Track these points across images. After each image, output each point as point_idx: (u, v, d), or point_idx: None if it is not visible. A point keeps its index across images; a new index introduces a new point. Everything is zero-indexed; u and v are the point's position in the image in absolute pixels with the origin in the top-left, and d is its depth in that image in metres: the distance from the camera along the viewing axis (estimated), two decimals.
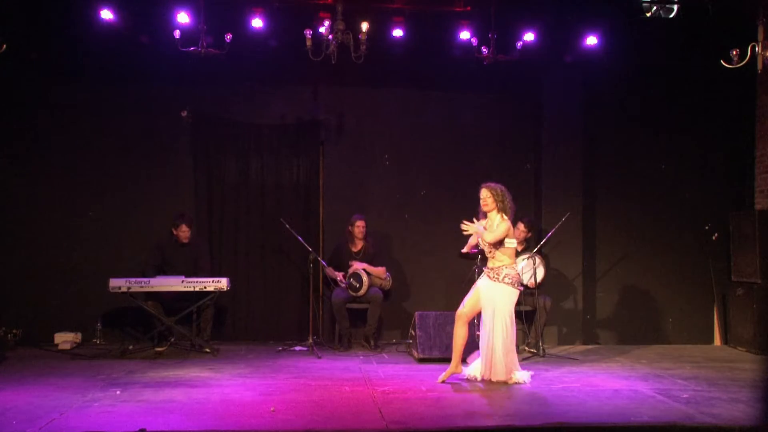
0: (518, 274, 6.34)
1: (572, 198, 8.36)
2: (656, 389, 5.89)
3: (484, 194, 6.34)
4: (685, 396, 5.66)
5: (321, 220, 8.43)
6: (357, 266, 7.78)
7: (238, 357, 7.28)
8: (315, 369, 6.72)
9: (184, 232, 7.68)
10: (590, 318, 8.52)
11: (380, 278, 7.88)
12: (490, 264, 6.32)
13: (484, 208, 6.35)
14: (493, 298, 6.20)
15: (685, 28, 8.27)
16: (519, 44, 7.58)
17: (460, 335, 6.32)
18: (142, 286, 7.20)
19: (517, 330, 7.68)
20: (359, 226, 7.91)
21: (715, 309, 8.63)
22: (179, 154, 8.28)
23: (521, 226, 7.89)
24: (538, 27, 7.78)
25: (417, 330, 7.10)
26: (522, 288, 6.40)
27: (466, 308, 6.34)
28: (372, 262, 7.92)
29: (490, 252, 6.27)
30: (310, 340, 7.56)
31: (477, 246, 6.44)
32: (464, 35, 7.68)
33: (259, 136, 8.38)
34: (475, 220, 6.28)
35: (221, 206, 8.37)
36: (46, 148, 8.08)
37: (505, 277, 6.20)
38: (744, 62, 6.42)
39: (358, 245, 7.98)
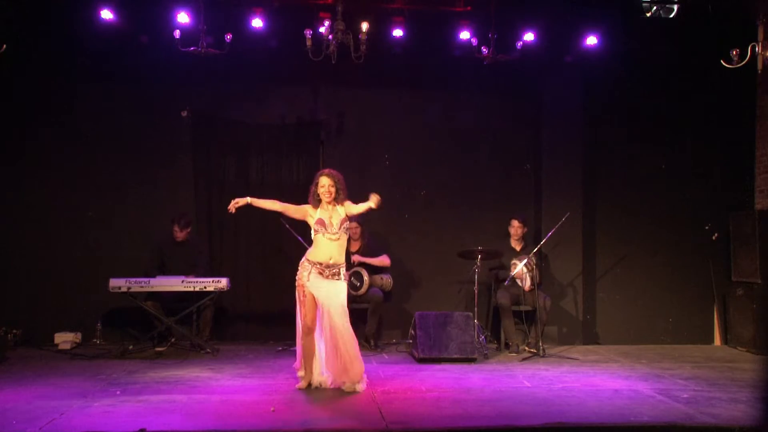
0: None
1: (572, 198, 8.34)
2: (656, 389, 5.88)
3: (328, 182, 5.61)
4: (685, 396, 5.66)
5: None
6: (355, 258, 7.78)
7: (238, 357, 7.28)
8: None
9: (176, 232, 7.69)
10: (590, 318, 8.51)
11: (382, 273, 7.88)
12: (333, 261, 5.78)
13: (325, 198, 5.64)
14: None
15: (685, 28, 8.28)
16: (519, 44, 7.60)
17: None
18: (142, 286, 7.20)
19: (516, 330, 7.75)
20: (352, 227, 7.89)
21: (715, 309, 8.62)
22: (179, 154, 8.27)
23: (515, 223, 7.89)
24: (538, 27, 7.79)
25: (417, 330, 7.09)
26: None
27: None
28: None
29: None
30: None
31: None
32: (464, 35, 7.70)
33: (259, 136, 8.36)
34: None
35: (221, 206, 8.29)
36: (45, 147, 8.06)
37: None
38: (744, 62, 6.43)
39: (355, 245, 7.97)
